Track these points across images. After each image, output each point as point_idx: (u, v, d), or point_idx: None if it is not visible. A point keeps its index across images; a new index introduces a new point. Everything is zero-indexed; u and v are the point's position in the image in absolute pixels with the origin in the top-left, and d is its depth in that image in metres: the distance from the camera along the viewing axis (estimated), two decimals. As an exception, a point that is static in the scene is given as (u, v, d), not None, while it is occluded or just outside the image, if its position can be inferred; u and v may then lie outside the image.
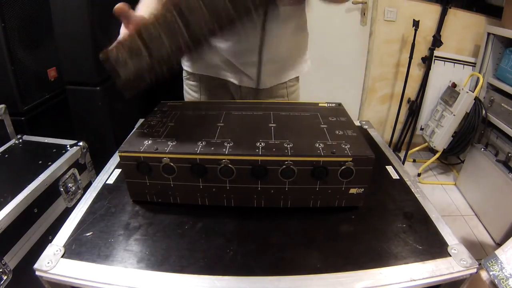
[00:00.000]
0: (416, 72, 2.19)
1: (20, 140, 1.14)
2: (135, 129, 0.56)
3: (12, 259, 0.82)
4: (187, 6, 0.44)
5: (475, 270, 0.41)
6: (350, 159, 0.46)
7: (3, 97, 1.19)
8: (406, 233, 0.47)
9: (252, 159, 0.46)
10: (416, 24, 1.90)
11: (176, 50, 0.46)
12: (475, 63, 2.10)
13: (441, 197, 2.00)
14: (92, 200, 0.53)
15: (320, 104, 0.59)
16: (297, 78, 0.89)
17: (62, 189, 1.03)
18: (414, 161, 2.34)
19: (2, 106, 1.12)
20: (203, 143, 0.45)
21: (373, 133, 0.78)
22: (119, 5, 0.49)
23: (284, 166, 0.46)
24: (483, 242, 1.66)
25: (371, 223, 0.49)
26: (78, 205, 0.52)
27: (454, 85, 2.11)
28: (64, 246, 0.44)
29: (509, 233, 1.53)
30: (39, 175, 0.95)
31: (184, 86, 0.92)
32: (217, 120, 0.51)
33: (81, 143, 1.13)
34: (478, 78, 1.95)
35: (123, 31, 0.54)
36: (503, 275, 0.99)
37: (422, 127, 2.30)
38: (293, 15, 0.76)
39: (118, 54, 0.47)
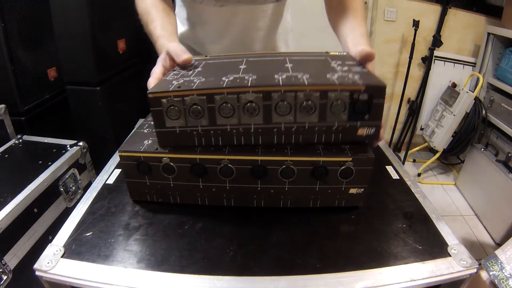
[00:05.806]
0: (416, 72, 2.19)
1: (20, 140, 1.14)
2: (135, 129, 0.56)
3: (12, 259, 0.82)
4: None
5: (475, 270, 0.41)
6: (350, 159, 0.46)
7: (3, 97, 1.19)
8: (406, 233, 0.47)
9: (252, 159, 0.46)
10: (416, 24, 1.90)
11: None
12: (475, 63, 2.10)
13: (441, 197, 2.00)
14: (92, 200, 0.53)
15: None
16: None
17: (62, 189, 1.03)
18: (414, 161, 2.34)
19: (2, 106, 1.12)
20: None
21: (373, 133, 0.78)
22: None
23: (284, 166, 0.46)
24: (483, 242, 1.66)
25: (371, 223, 0.49)
26: (78, 205, 0.52)
27: (454, 85, 2.11)
28: (64, 246, 0.44)
29: (509, 233, 1.53)
30: (39, 175, 0.95)
31: None
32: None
33: (81, 143, 1.13)
34: (478, 78, 1.95)
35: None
36: (503, 275, 0.99)
37: (422, 127, 2.30)
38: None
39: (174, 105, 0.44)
